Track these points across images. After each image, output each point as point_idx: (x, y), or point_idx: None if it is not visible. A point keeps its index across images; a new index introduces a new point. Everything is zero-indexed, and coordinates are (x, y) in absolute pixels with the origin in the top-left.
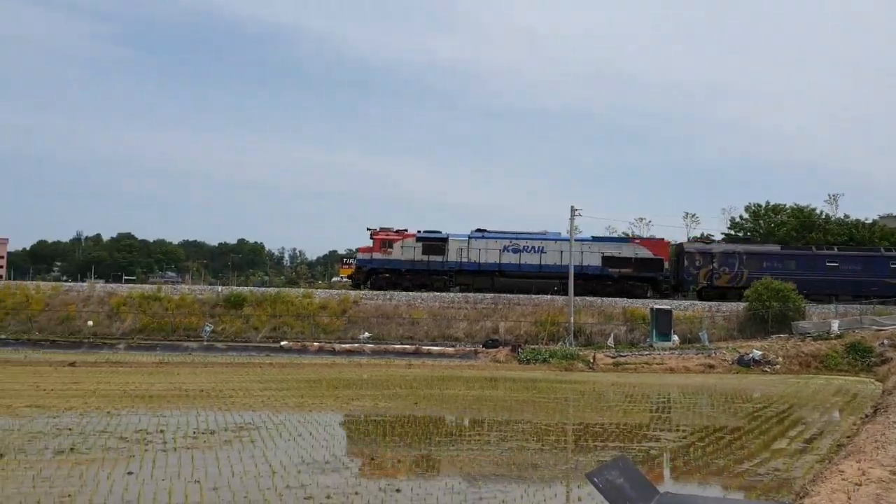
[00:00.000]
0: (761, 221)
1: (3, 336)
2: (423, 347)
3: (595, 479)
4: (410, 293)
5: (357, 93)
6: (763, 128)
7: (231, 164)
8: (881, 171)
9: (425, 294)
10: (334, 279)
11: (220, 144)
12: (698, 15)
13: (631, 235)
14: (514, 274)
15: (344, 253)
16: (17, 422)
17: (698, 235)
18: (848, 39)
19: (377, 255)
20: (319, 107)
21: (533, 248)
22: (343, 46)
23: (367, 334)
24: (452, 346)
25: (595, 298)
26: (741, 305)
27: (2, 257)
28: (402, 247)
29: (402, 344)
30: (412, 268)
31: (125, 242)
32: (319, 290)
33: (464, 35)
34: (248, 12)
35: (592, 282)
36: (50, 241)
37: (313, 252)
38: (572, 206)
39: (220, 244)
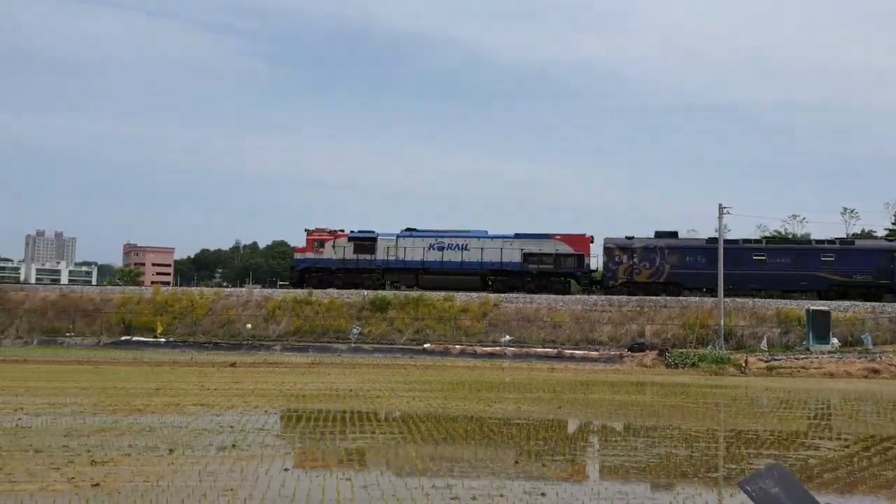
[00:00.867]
0: None
1: (171, 339)
2: (566, 351)
3: (748, 488)
4: (548, 296)
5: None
6: None
7: (381, 172)
8: None
9: (567, 297)
10: None
11: (373, 154)
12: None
13: (566, 233)
14: (437, 271)
15: None
16: (184, 419)
17: (860, 231)
18: None
19: (310, 255)
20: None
21: (456, 245)
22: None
23: (507, 337)
24: (596, 350)
25: (746, 300)
26: None
27: (169, 265)
28: (333, 246)
29: (543, 347)
30: (343, 266)
31: (279, 249)
32: (460, 293)
33: (606, 34)
34: (399, 24)
35: (513, 277)
36: (212, 249)
37: None
38: (720, 205)
39: None
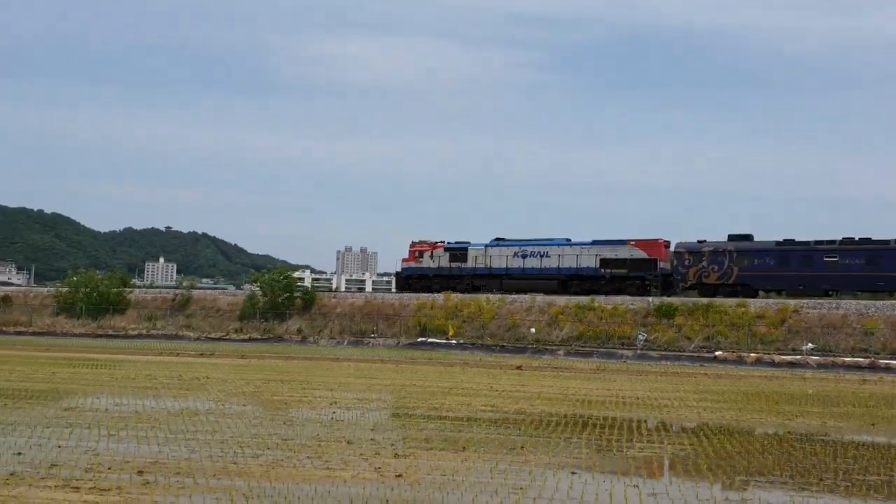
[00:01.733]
0: None
1: (461, 340)
2: (881, 361)
3: None
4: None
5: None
6: None
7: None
8: None
9: (879, 302)
10: None
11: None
12: None
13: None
14: (519, 276)
15: None
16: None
17: None
18: None
19: (412, 264)
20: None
21: (537, 252)
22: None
23: (810, 345)
24: None
25: None
26: None
27: None
28: (431, 256)
29: (853, 356)
30: (438, 273)
31: None
32: (756, 300)
33: None
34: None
35: (588, 281)
36: None
37: None
38: None
39: None
